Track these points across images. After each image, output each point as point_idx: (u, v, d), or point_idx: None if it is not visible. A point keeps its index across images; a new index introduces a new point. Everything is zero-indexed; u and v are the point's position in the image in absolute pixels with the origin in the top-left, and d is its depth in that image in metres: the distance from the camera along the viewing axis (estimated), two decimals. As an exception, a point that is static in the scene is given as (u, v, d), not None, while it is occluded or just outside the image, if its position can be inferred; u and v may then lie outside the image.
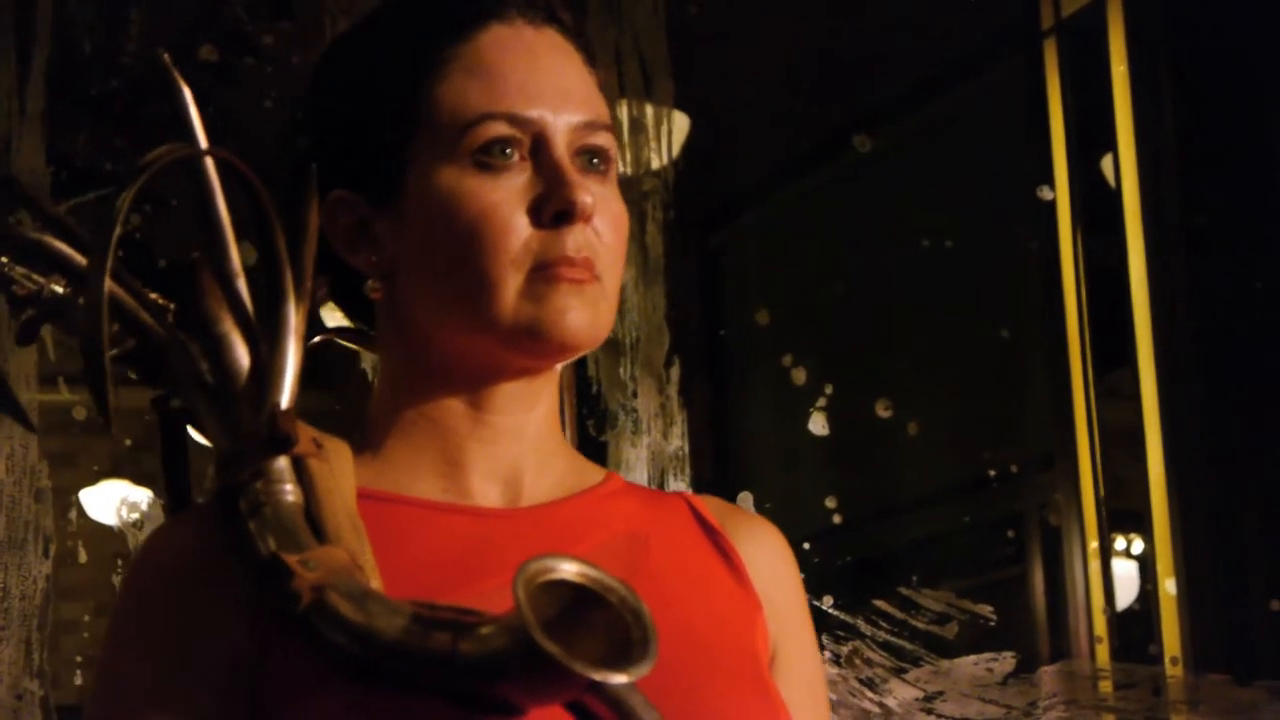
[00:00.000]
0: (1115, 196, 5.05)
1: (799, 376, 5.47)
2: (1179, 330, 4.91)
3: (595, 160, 1.32)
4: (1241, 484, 4.84)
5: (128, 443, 6.92)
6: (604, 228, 1.30)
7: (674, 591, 1.26)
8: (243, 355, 1.25)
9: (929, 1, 5.64)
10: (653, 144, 4.86)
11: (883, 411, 5.40)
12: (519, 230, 1.27)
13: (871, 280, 6.06)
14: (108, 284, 1.23)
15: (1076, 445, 5.12)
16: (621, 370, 5.35)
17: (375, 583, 1.19)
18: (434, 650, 1.14)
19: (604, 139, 1.33)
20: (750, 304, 6.03)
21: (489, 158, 1.28)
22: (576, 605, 1.13)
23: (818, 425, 5.52)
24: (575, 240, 1.28)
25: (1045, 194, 5.22)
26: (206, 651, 1.24)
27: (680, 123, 5.14)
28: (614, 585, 1.13)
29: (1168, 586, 4.81)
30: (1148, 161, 4.97)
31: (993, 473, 5.53)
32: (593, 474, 1.37)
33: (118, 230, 1.21)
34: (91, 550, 9.04)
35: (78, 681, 8.73)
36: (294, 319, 1.24)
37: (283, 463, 1.22)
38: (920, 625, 4.87)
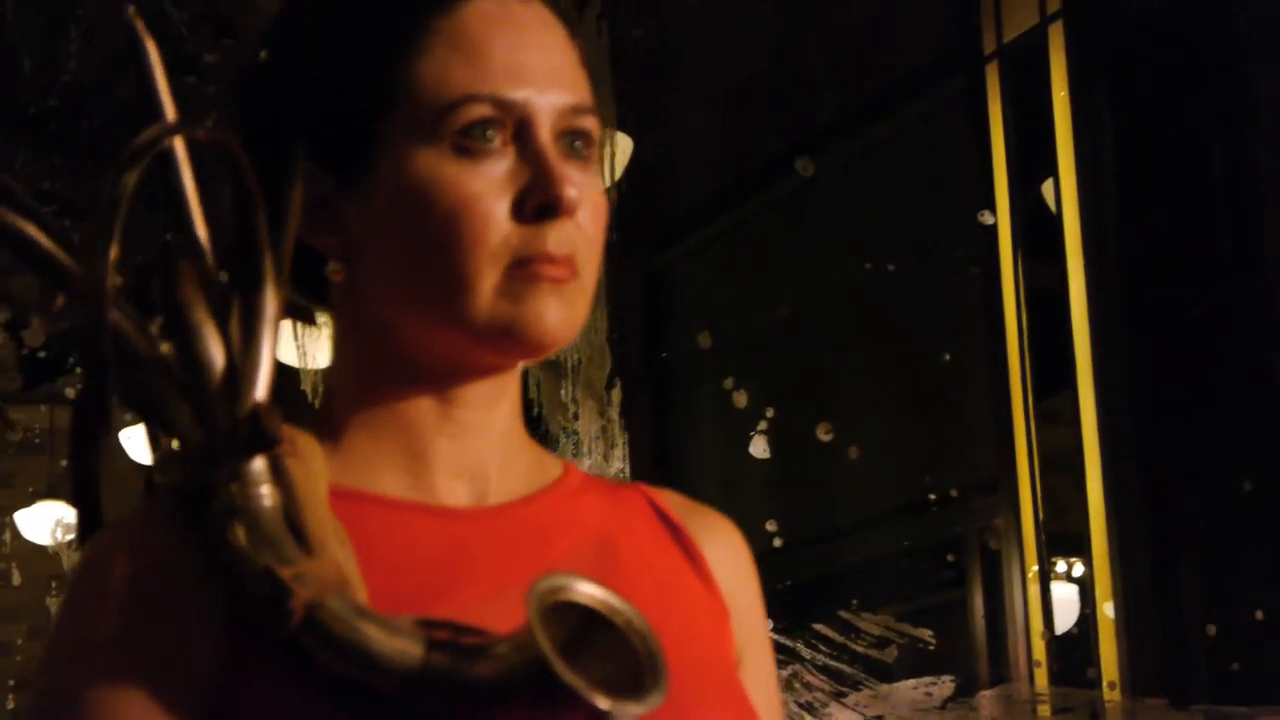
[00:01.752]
0: (1056, 221, 5.07)
1: (740, 399, 5.48)
2: (1118, 355, 4.93)
3: (578, 144, 1.25)
4: (1179, 508, 4.86)
5: (63, 463, 6.87)
6: (586, 220, 1.24)
7: (646, 598, 1.22)
8: (215, 345, 1.17)
9: (872, 26, 5.66)
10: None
11: (823, 435, 5.40)
12: (499, 223, 1.21)
13: (813, 304, 6.07)
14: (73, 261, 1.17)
15: (1016, 469, 5.13)
16: (563, 392, 5.34)
17: (362, 595, 1.12)
18: (435, 673, 1.09)
19: (589, 123, 1.26)
20: (692, 327, 6.03)
21: (470, 141, 1.22)
22: (582, 626, 1.09)
23: (759, 448, 5.52)
24: (557, 236, 1.22)
25: (986, 218, 5.24)
26: (168, 670, 1.15)
27: (623, 145, 5.15)
28: (622, 608, 1.10)
29: (1106, 610, 4.82)
30: (1088, 187, 5.00)
31: (933, 496, 5.54)
32: (553, 466, 1.32)
33: (123, 211, 1.14)
34: (25, 572, 8.98)
35: (10, 705, 8.65)
36: (271, 307, 1.17)
37: (260, 463, 1.15)
38: (860, 649, 4.87)
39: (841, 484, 5.72)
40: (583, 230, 1.23)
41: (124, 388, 1.19)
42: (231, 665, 1.15)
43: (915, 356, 5.72)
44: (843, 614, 4.94)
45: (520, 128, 1.23)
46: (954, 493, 5.49)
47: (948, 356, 5.54)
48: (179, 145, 1.20)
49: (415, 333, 1.24)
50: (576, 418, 5.30)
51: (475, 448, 1.26)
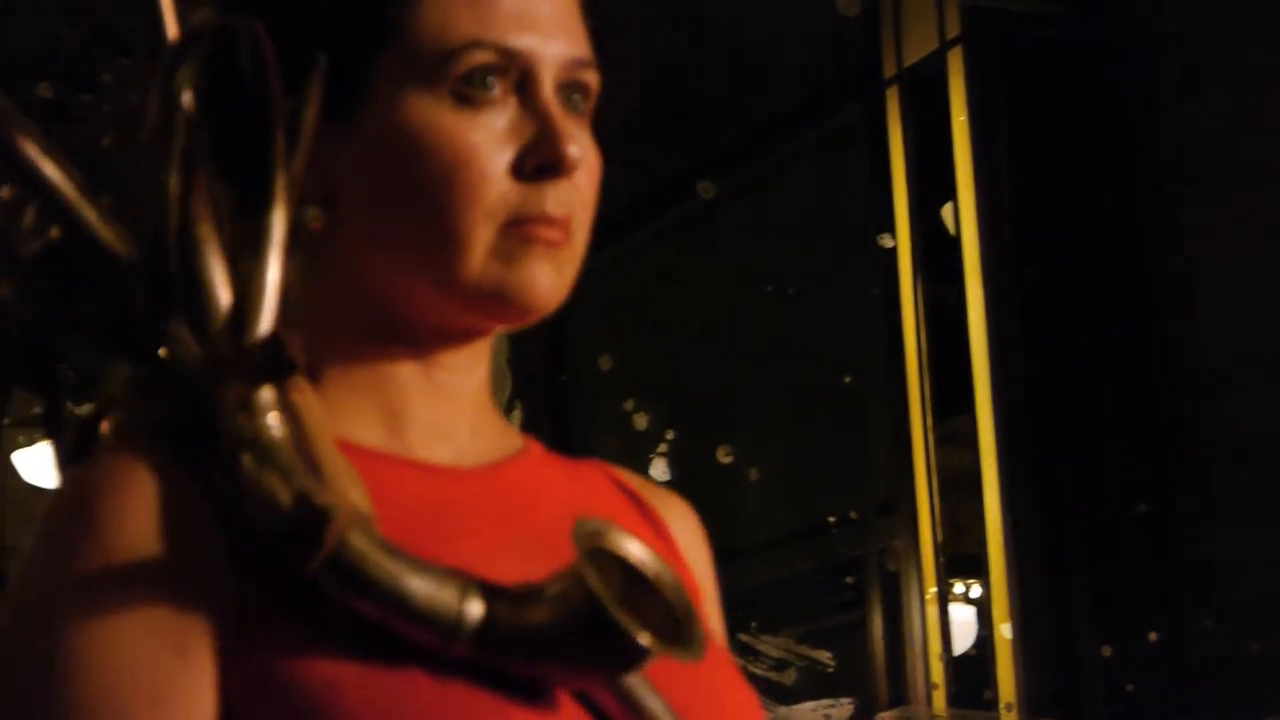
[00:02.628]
0: (955, 245, 5.10)
1: (641, 422, 5.47)
2: (1016, 377, 4.96)
3: (577, 98, 1.17)
4: (1076, 530, 4.89)
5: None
6: (583, 180, 1.17)
7: None
8: (219, 265, 1.07)
9: (772, 49, 5.68)
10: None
11: (724, 457, 5.41)
12: (497, 179, 1.13)
13: (714, 326, 6.08)
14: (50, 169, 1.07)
15: (915, 491, 5.15)
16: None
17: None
18: (467, 617, 1.01)
19: (591, 77, 1.18)
20: (594, 349, 6.03)
21: (471, 89, 1.13)
22: (611, 577, 1.03)
23: (659, 470, 5.51)
24: (556, 196, 1.14)
25: (887, 241, 5.26)
26: (177, 625, 1.03)
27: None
28: (653, 561, 1.05)
29: (1003, 631, 4.85)
30: (987, 210, 5.03)
31: (832, 519, 5.55)
32: (515, 437, 1.25)
33: (183, 108, 1.06)
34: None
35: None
36: (279, 229, 1.08)
37: (268, 392, 1.05)
38: (759, 671, 4.87)
39: (741, 506, 5.72)
40: (579, 191, 1.17)
41: (88, 308, 1.09)
42: (240, 619, 1.04)
43: (815, 379, 5.74)
44: (742, 636, 4.94)
45: (523, 78, 1.15)
46: (853, 515, 5.51)
47: (848, 379, 5.56)
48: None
49: (398, 289, 1.16)
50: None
51: (450, 410, 1.19)
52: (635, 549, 1.05)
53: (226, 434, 1.04)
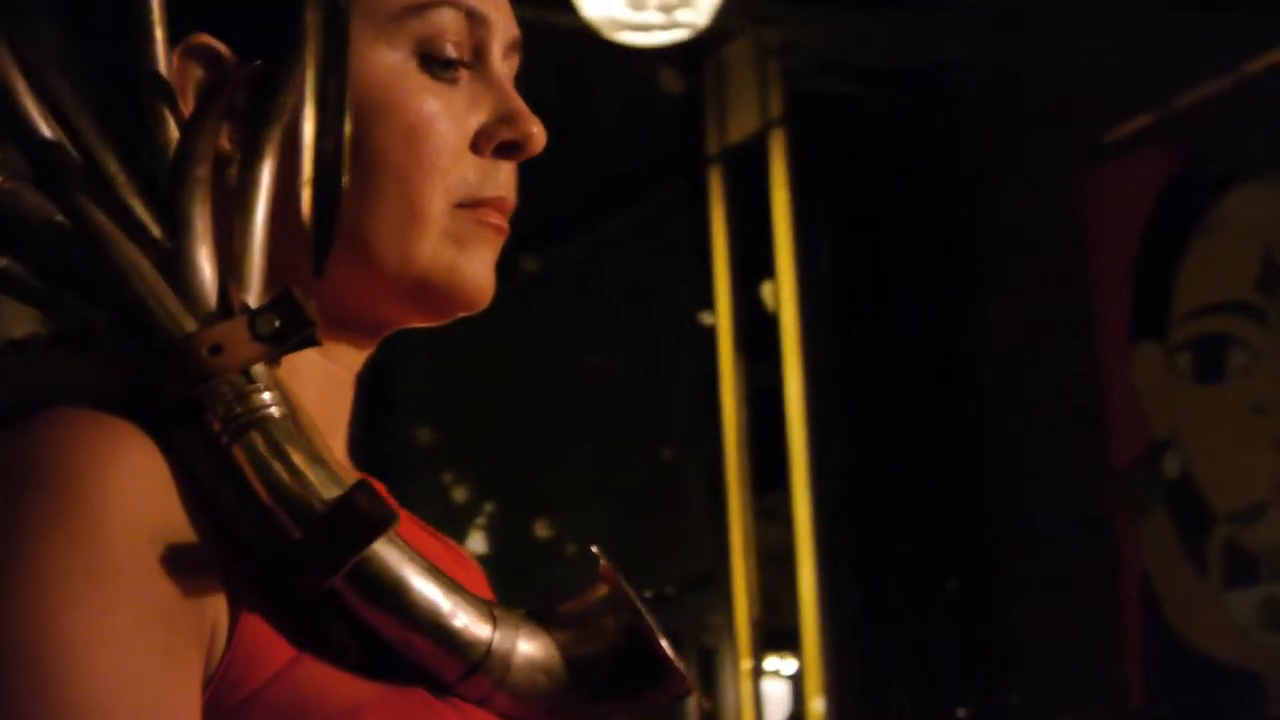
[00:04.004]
0: (774, 322, 5.15)
1: (460, 494, 5.46)
2: (833, 453, 5.01)
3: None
4: (889, 605, 4.94)
5: None
6: (514, 169, 1.06)
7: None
8: (204, 216, 0.92)
9: (596, 123, 5.72)
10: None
11: (542, 531, 5.40)
12: (458, 152, 1.01)
13: (535, 400, 6.08)
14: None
15: (732, 566, 5.18)
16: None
17: None
18: (496, 649, 0.88)
19: (518, 60, 1.08)
20: (413, 421, 6.00)
21: (435, 51, 1.01)
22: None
23: (477, 543, 5.50)
24: (509, 180, 1.04)
25: (707, 319, 5.30)
26: (170, 627, 0.85)
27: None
28: (632, 592, 0.94)
29: (816, 705, 4.88)
30: (806, 288, 5.08)
31: (649, 593, 5.56)
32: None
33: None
34: None
35: None
36: (268, 181, 0.94)
37: (261, 366, 0.88)
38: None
39: (559, 580, 5.71)
40: (513, 178, 1.06)
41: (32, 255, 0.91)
42: (231, 622, 0.88)
43: (635, 454, 5.76)
44: (559, 710, 4.92)
45: (479, 51, 1.04)
46: (670, 589, 5.52)
47: (667, 454, 5.59)
48: None
49: (330, 268, 0.97)
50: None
51: (337, 407, 1.05)
52: (632, 594, 0.94)
53: (224, 409, 0.87)
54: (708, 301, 5.33)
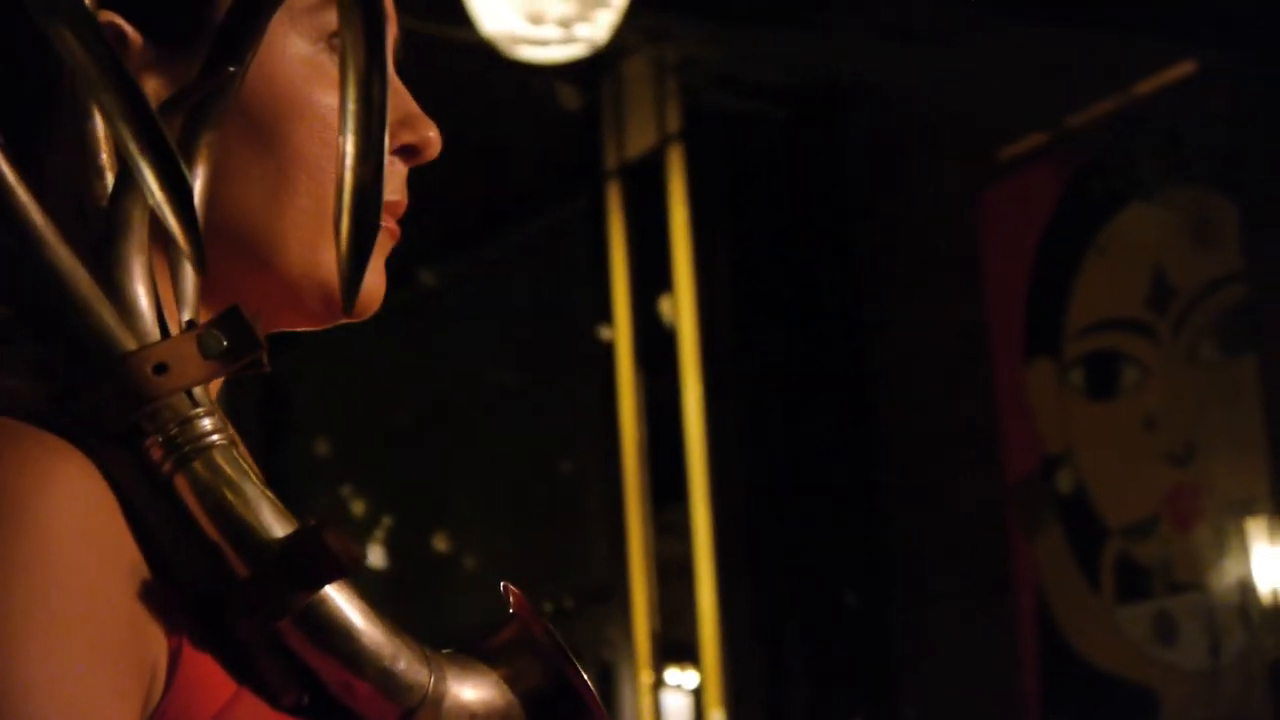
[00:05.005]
0: (673, 337, 5.17)
1: (358, 507, 5.43)
2: (733, 467, 5.03)
3: None
4: (788, 618, 4.97)
5: None
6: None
7: None
8: (141, 221, 0.83)
9: (495, 137, 5.72)
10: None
11: (440, 545, 5.39)
12: None
13: (433, 413, 6.07)
14: None
15: (631, 579, 5.18)
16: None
17: None
18: (431, 694, 0.83)
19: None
20: (311, 432, 5.97)
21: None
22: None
23: (375, 557, 5.48)
24: (403, 183, 0.98)
25: (606, 333, 5.31)
26: (127, 645, 0.79)
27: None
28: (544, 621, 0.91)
29: (715, 718, 4.89)
30: (705, 303, 5.10)
31: (549, 607, 5.56)
32: None
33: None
34: None
35: None
36: (200, 187, 0.86)
37: (201, 390, 0.81)
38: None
39: (457, 594, 5.70)
40: (405, 183, 1.00)
41: None
42: (171, 670, 0.80)
43: (534, 468, 5.76)
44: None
45: None
46: (569, 603, 5.52)
47: (566, 467, 5.59)
48: None
49: (223, 266, 0.90)
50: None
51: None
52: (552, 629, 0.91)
53: (164, 435, 0.80)
54: (606, 316, 5.34)
